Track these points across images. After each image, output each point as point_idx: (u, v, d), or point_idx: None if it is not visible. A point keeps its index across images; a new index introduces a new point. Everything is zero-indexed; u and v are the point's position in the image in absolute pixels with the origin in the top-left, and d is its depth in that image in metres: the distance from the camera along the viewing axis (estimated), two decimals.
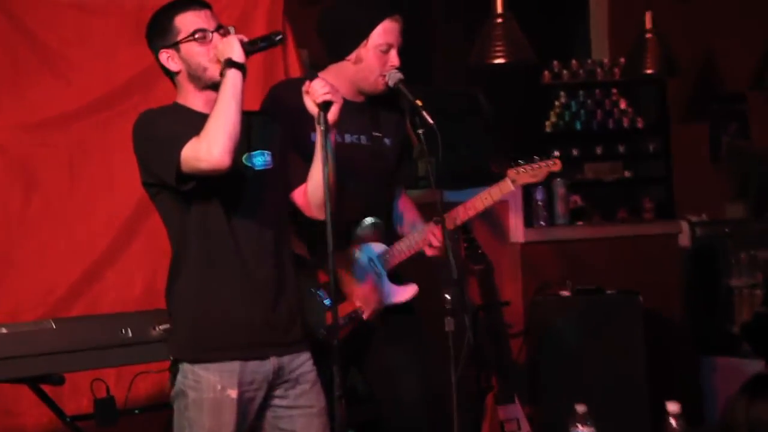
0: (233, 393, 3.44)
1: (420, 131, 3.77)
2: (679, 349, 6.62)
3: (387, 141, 4.22)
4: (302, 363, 3.60)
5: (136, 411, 4.66)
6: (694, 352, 7.15)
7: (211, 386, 3.44)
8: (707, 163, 8.73)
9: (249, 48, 3.42)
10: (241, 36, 3.43)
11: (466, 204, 4.21)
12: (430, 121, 3.71)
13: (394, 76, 3.97)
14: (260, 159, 3.56)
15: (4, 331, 4.08)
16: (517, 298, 5.98)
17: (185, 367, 3.49)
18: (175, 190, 3.42)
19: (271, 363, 3.52)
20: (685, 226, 7.25)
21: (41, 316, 4.53)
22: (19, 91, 5.06)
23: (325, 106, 3.44)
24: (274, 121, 3.70)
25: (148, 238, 5.12)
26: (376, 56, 4.04)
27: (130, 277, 5.10)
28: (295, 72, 5.39)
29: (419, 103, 3.80)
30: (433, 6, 8.33)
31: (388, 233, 4.26)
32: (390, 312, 4.17)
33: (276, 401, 3.56)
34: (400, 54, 4.07)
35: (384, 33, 4.04)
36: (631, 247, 6.47)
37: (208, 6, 3.55)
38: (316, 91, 3.45)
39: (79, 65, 5.17)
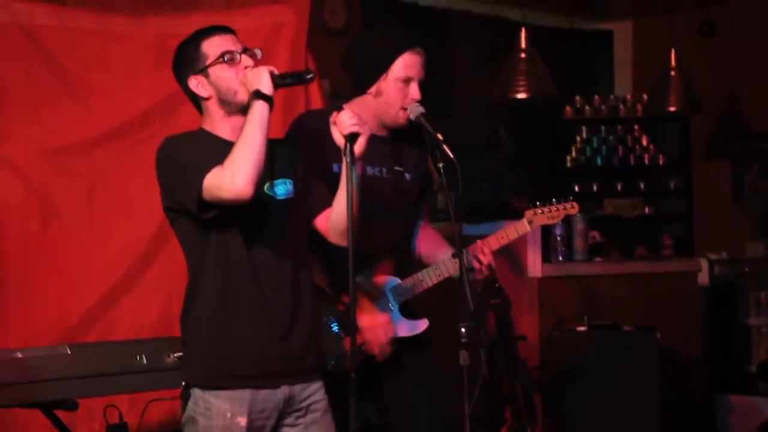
0: (242, 421, 3.43)
1: (440, 165, 3.76)
2: (695, 387, 6.58)
3: (408, 176, 4.21)
4: (314, 392, 3.58)
5: None
6: (710, 390, 7.11)
7: (221, 414, 3.43)
8: (728, 202, 8.71)
9: (278, 81, 3.41)
10: (272, 68, 3.42)
11: (478, 243, 4.21)
12: (451, 155, 3.70)
13: (415, 110, 3.96)
14: (282, 188, 3.55)
15: (19, 355, 4.08)
16: (534, 332, 5.96)
17: (196, 394, 3.48)
18: (196, 217, 3.42)
19: (282, 392, 3.51)
20: (704, 264, 7.22)
21: (57, 342, 4.51)
22: (39, 116, 5.07)
23: (351, 137, 3.43)
24: (297, 149, 3.68)
25: (164, 265, 5.13)
26: (397, 89, 4.03)
27: (146, 304, 5.11)
28: (317, 102, 5.41)
29: (440, 136, 3.79)
30: (457, 39, 8.36)
31: (406, 267, 4.26)
32: (404, 344, 4.16)
33: (286, 429, 3.55)
34: (422, 87, 4.07)
35: (404, 66, 4.03)
36: (649, 284, 6.45)
37: (231, 31, 3.56)
38: (344, 123, 3.44)
39: (99, 91, 5.18)
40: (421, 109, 3.94)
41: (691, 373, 6.50)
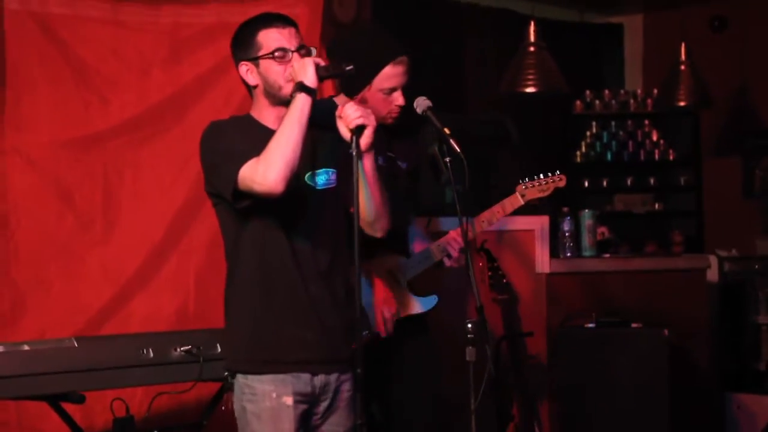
0: (289, 400, 3.46)
1: (447, 159, 3.75)
2: (704, 384, 6.55)
3: (401, 164, 4.29)
4: (344, 381, 3.59)
5: (155, 431, 4.65)
6: (719, 388, 7.09)
7: (267, 395, 3.47)
8: (739, 198, 8.68)
9: (323, 73, 3.42)
10: (318, 60, 3.42)
11: (479, 217, 4.32)
12: (457, 148, 3.69)
13: (422, 104, 3.95)
14: (323, 177, 3.56)
15: (26, 348, 4.09)
16: (541, 328, 5.93)
17: (240, 381, 3.52)
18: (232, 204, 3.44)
19: (319, 379, 3.53)
20: (714, 260, 7.20)
21: (72, 335, 4.48)
22: (53, 106, 5.09)
23: (358, 130, 3.41)
24: (339, 137, 3.61)
25: (179, 259, 5.15)
26: (380, 99, 4.09)
27: (161, 298, 5.13)
28: (328, 94, 5.40)
29: (447, 130, 3.78)
30: (466, 33, 8.34)
31: (404, 253, 4.32)
32: (404, 332, 4.20)
33: (312, 420, 3.56)
34: (434, 80, 4.08)
35: (387, 78, 4.07)
36: (658, 280, 6.41)
37: (293, 24, 3.54)
38: (349, 116, 3.42)
39: (113, 81, 5.20)
40: (428, 103, 3.92)
41: (700, 370, 6.47)
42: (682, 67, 7.42)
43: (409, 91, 4.09)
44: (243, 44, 3.53)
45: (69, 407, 4.26)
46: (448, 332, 4.18)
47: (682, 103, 7.50)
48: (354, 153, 3.41)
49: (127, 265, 5.13)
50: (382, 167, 4.18)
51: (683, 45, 7.44)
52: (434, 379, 4.30)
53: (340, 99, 4.11)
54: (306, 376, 3.50)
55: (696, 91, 7.43)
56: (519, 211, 4.41)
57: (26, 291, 4.94)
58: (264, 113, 3.54)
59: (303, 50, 3.49)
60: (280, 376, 3.47)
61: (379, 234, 3.63)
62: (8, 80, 5.01)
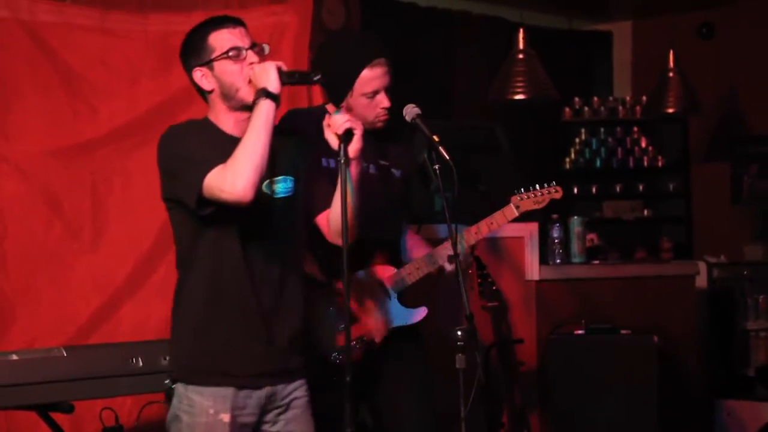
0: (226, 417, 3.43)
1: (436, 167, 3.76)
2: (693, 391, 6.56)
3: (395, 171, 4.28)
4: (296, 388, 3.58)
5: None
6: (708, 394, 7.09)
7: (204, 410, 3.43)
8: (727, 204, 8.70)
9: (285, 79, 3.38)
10: (280, 63, 3.39)
11: (471, 228, 4.27)
12: (446, 156, 3.69)
13: (411, 111, 3.95)
14: (282, 185, 3.53)
15: (14, 357, 4.08)
16: (531, 335, 5.93)
17: (180, 391, 3.48)
18: (194, 211, 3.40)
19: (264, 390, 3.51)
20: (702, 267, 7.21)
21: (60, 344, 4.48)
22: (42, 114, 5.09)
23: (346, 138, 3.41)
24: (302, 144, 3.66)
25: (168, 267, 5.11)
26: (364, 104, 4.09)
27: (149, 307, 5.11)
28: (319, 101, 5.40)
29: (436, 138, 3.78)
30: (456, 40, 8.34)
31: (398, 262, 4.29)
32: (396, 338, 4.19)
33: (266, 426, 3.55)
34: (423, 88, 4.08)
35: (367, 82, 4.07)
36: (647, 287, 6.42)
37: (242, 23, 3.52)
38: (336, 122, 3.42)
39: (102, 90, 5.20)
40: (417, 111, 3.92)
41: (689, 376, 6.48)
42: (671, 74, 7.42)
43: (399, 98, 4.10)
44: (194, 50, 3.49)
45: (58, 417, 4.25)
46: (439, 340, 4.17)
47: (670, 110, 7.50)
48: (342, 161, 3.41)
49: (116, 273, 5.12)
50: (375, 174, 4.20)
51: (672, 52, 7.45)
52: (426, 386, 4.28)
53: (330, 107, 4.11)
54: (248, 390, 3.47)
55: (684, 98, 7.44)
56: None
57: (15, 300, 4.93)
58: (221, 117, 3.50)
59: (257, 47, 3.47)
60: (222, 391, 3.43)
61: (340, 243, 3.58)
62: None
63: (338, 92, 4.11)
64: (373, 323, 4.14)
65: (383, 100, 4.09)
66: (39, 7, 5.11)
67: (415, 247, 4.38)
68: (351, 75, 4.06)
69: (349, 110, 4.00)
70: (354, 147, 3.42)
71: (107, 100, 5.22)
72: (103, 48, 5.24)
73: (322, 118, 3.48)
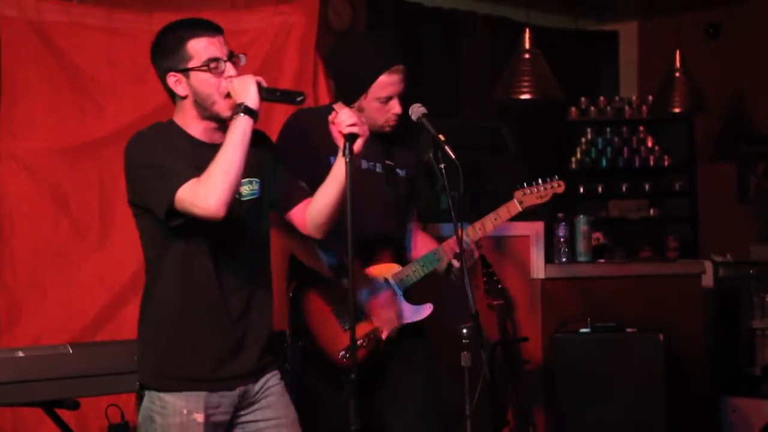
0: (199, 417, 3.40)
1: (442, 166, 3.76)
2: (699, 389, 6.55)
3: (401, 171, 4.28)
4: (267, 380, 3.56)
5: None
6: (715, 392, 7.09)
7: (177, 411, 3.40)
8: (733, 203, 8.70)
9: (265, 95, 3.34)
10: (260, 79, 3.36)
11: (475, 224, 4.27)
12: (452, 155, 3.71)
13: (417, 111, 3.97)
14: (248, 188, 3.50)
15: (20, 354, 4.09)
16: (537, 334, 5.94)
17: (152, 393, 3.45)
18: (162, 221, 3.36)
19: (237, 390, 3.50)
20: (708, 266, 7.20)
21: (66, 341, 4.48)
22: (50, 113, 5.11)
23: (351, 137, 3.43)
24: (267, 146, 3.62)
25: None
26: (377, 108, 4.10)
27: None
28: (324, 101, 5.41)
29: (442, 137, 3.79)
30: (462, 40, 8.35)
31: (403, 261, 4.29)
32: (402, 337, 4.20)
33: (242, 418, 3.53)
34: (429, 88, 4.09)
35: (382, 87, 4.08)
36: (653, 286, 6.42)
37: (220, 31, 3.46)
38: (343, 122, 3.43)
39: (109, 89, 5.21)
40: (423, 110, 3.94)
41: (695, 375, 6.48)
42: (677, 74, 7.42)
43: (405, 98, 4.12)
44: (169, 53, 3.42)
45: (64, 413, 4.26)
46: (444, 338, 4.18)
47: (676, 110, 7.50)
48: (347, 159, 3.42)
49: (122, 271, 5.12)
50: (382, 174, 4.21)
51: (678, 52, 7.45)
52: (432, 384, 4.29)
53: (338, 106, 4.12)
54: (221, 392, 3.45)
55: (690, 98, 7.44)
56: (514, 217, 4.39)
57: (21, 297, 4.95)
58: (190, 123, 3.45)
59: (234, 58, 3.41)
60: (193, 393, 3.42)
61: (317, 236, 3.62)
62: (4, 87, 5.03)
63: (351, 93, 4.12)
64: (379, 320, 4.15)
65: (395, 106, 4.10)
66: (46, 7, 5.13)
67: (420, 245, 4.39)
68: (368, 78, 4.07)
69: (360, 111, 4.02)
70: (354, 149, 3.44)
71: (114, 98, 5.23)
72: (109, 47, 5.25)
73: (328, 114, 3.50)
